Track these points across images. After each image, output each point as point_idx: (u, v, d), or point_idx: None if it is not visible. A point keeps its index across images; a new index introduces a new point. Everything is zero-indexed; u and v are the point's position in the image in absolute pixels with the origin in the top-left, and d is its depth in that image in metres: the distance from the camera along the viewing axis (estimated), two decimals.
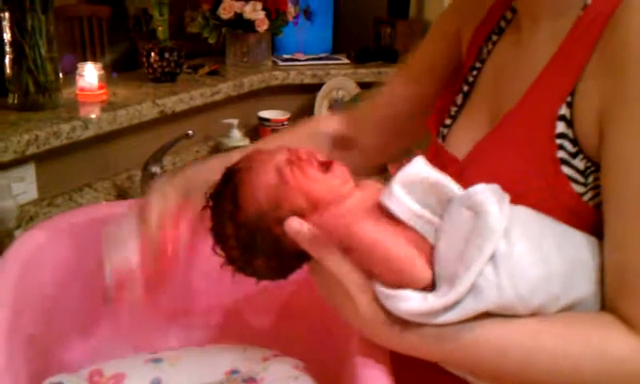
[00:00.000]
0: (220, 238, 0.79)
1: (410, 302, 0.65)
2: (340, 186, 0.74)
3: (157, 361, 0.87)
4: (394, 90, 1.07)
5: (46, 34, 1.43)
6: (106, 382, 0.85)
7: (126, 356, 0.91)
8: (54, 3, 1.45)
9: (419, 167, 0.70)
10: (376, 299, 0.68)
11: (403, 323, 0.67)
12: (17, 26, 1.40)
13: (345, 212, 0.72)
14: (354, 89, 2.19)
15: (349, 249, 0.69)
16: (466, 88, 0.91)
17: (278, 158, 0.76)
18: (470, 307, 0.64)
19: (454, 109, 0.92)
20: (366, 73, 2.27)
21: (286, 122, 2.02)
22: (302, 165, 0.74)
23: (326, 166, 0.75)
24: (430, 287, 0.67)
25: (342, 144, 1.06)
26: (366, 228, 0.69)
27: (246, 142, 1.94)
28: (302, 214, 0.72)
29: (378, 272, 0.68)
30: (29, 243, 0.90)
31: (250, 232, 0.75)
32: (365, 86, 2.18)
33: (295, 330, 0.95)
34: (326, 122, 1.12)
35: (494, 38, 0.88)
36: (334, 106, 2.20)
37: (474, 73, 0.90)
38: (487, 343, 0.66)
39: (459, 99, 0.91)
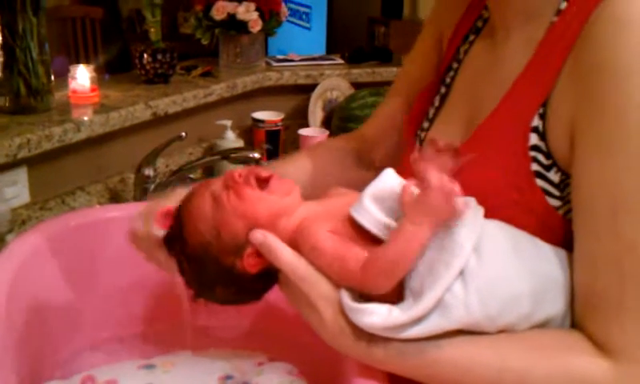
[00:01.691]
0: (182, 274, 0.78)
1: (374, 316, 0.64)
2: (278, 200, 0.73)
3: (149, 367, 0.86)
4: (391, 112, 1.05)
5: (38, 37, 1.42)
6: None
7: (118, 361, 0.90)
8: (45, 5, 1.44)
9: (389, 179, 0.70)
10: (342, 312, 0.67)
11: (369, 337, 0.66)
12: (7, 28, 1.38)
13: (298, 221, 0.72)
14: (348, 89, 2.19)
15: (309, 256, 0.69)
16: (443, 90, 0.90)
17: (215, 186, 0.74)
18: (435, 323, 0.63)
19: (431, 111, 0.90)
20: (360, 73, 2.26)
21: (279, 123, 2.02)
22: (237, 187, 0.72)
23: (265, 182, 0.73)
24: (399, 299, 0.66)
25: (365, 163, 1.05)
26: (318, 233, 0.69)
27: (241, 143, 1.93)
28: (243, 239, 0.71)
29: (336, 278, 0.68)
30: (21, 248, 0.90)
31: (201, 265, 0.75)
32: (359, 86, 2.17)
33: (289, 334, 0.95)
34: (346, 141, 1.11)
35: (471, 37, 0.87)
36: (328, 106, 2.19)
37: (451, 74, 0.89)
38: (452, 361, 0.65)
39: (437, 101, 0.90)
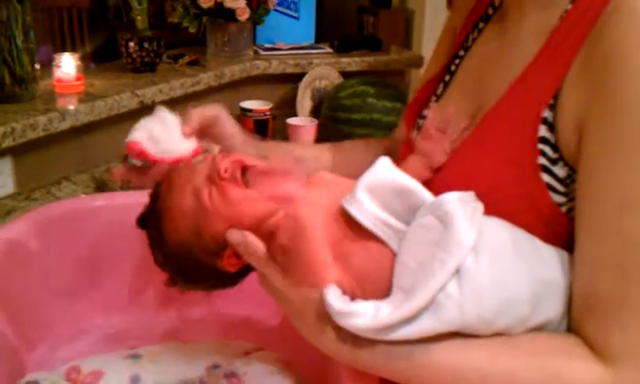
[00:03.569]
0: (156, 260, 0.77)
1: (360, 317, 0.61)
2: (265, 200, 0.69)
3: (135, 357, 0.85)
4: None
5: (22, 25, 1.40)
6: (84, 378, 0.83)
7: (104, 351, 0.90)
8: None
9: (384, 170, 0.67)
10: (324, 313, 0.63)
11: (354, 340, 0.63)
12: None
13: (282, 215, 0.68)
14: (336, 78, 2.18)
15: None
16: (447, 77, 0.87)
17: (197, 178, 0.71)
18: (426, 325, 0.60)
19: (433, 98, 0.88)
20: (349, 62, 2.25)
21: (268, 113, 2.00)
22: (222, 185, 0.69)
23: (251, 174, 0.70)
24: (386, 296, 0.63)
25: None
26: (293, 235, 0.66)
27: None
28: (225, 239, 0.69)
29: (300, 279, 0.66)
30: (5, 239, 0.89)
31: (178, 261, 0.73)
32: (348, 75, 2.16)
33: (277, 323, 0.94)
34: (378, 140, 1.10)
35: (481, 25, 0.85)
36: (317, 95, 2.18)
37: (457, 61, 0.86)
38: (442, 365, 0.62)
39: (440, 89, 0.88)
